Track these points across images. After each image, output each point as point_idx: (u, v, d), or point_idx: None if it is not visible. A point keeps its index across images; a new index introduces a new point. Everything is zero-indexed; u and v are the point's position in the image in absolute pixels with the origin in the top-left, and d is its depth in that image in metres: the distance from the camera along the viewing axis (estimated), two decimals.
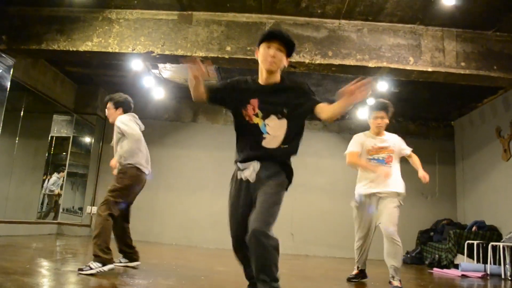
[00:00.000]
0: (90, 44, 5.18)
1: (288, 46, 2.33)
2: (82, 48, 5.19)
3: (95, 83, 8.41)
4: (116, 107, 4.11)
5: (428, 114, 8.88)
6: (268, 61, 2.29)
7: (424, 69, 5.19)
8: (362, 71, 5.32)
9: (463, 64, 5.24)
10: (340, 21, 5.23)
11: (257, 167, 2.32)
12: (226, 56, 5.07)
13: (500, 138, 7.31)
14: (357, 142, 4.12)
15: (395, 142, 4.15)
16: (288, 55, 2.35)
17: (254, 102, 2.35)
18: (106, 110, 4.15)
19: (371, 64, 5.15)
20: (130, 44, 5.14)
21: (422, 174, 4.13)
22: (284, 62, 2.34)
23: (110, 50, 5.15)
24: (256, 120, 2.34)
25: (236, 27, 5.15)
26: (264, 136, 2.33)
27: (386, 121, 4.06)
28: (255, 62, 5.10)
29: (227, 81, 2.50)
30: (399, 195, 4.02)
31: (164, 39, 5.13)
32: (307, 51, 5.11)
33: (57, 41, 5.23)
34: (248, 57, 5.05)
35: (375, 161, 4.04)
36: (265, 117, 2.33)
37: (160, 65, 7.10)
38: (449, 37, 5.29)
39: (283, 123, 2.33)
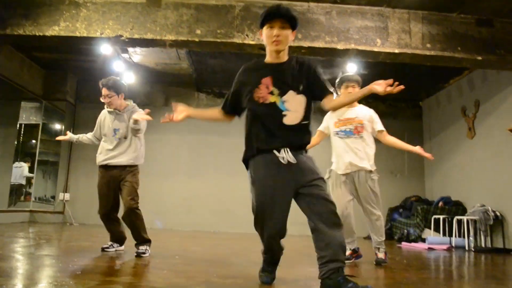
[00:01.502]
0: (57, 28, 5.09)
1: (291, 20, 2.29)
2: (49, 33, 5.09)
3: (64, 68, 8.26)
4: (119, 93, 3.96)
5: (397, 95, 8.88)
6: (273, 42, 2.27)
7: (391, 51, 5.32)
8: (331, 53, 5.41)
9: (428, 45, 5.39)
10: (309, 4, 5.29)
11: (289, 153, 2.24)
12: (196, 39, 5.07)
13: (465, 117, 7.59)
14: (324, 120, 4.08)
15: (366, 114, 3.97)
16: (293, 28, 2.32)
17: (267, 80, 2.29)
18: (106, 97, 3.90)
19: (339, 46, 5.24)
20: (98, 28, 5.08)
21: (420, 150, 3.87)
22: (290, 37, 2.33)
23: (78, 34, 5.07)
24: (272, 98, 2.27)
25: (206, 10, 5.15)
26: (284, 113, 2.26)
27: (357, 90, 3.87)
28: (225, 45, 5.18)
29: (234, 85, 2.44)
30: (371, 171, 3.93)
31: (133, 23, 5.09)
32: None
33: (22, 26, 5.11)
34: (218, 40, 5.07)
35: (342, 133, 3.92)
36: (282, 94, 2.27)
37: (130, 49, 7.03)
38: (415, 19, 5.42)
39: (302, 99, 2.30)
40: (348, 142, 3.91)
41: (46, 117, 8.56)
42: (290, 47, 5.18)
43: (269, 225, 2.33)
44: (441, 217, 6.92)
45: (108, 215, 3.93)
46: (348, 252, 3.95)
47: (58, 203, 8.45)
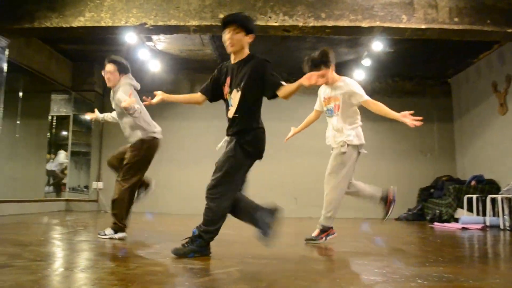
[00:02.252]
0: (82, 19, 5.17)
1: (243, 24, 2.68)
2: (75, 24, 5.18)
3: (90, 59, 8.39)
4: (120, 72, 3.91)
5: (424, 72, 8.89)
6: (227, 45, 2.69)
7: (418, 27, 5.19)
8: (356, 32, 5.33)
9: (456, 19, 5.23)
10: None
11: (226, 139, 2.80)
12: (220, 24, 5.05)
13: (496, 93, 7.37)
14: (318, 97, 4.01)
15: (344, 89, 3.70)
16: (248, 31, 2.70)
17: (228, 80, 2.75)
18: (107, 73, 3.87)
19: (364, 24, 5.15)
20: (123, 17, 5.13)
21: (404, 117, 3.40)
22: (245, 39, 2.70)
23: (103, 24, 5.14)
24: (228, 96, 2.76)
25: None
26: (229, 108, 2.74)
27: (325, 71, 3.65)
28: None
29: (213, 74, 2.89)
30: (344, 145, 3.77)
31: (156, 10, 5.11)
32: (300, 14, 5.10)
33: (49, 18, 5.21)
34: None
35: (329, 111, 3.86)
36: (231, 91, 2.73)
37: (154, 37, 7.08)
38: None
39: (238, 95, 2.68)
40: (331, 120, 3.85)
41: (76, 108, 8.75)
42: (314, 27, 5.15)
43: None
44: (474, 196, 6.78)
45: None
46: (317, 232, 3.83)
47: (92, 191, 8.68)
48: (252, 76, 2.66)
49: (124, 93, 3.70)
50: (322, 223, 3.80)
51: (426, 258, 3.06)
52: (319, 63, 3.64)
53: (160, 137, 4.08)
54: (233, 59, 2.77)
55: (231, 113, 2.72)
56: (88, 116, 4.36)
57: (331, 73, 3.73)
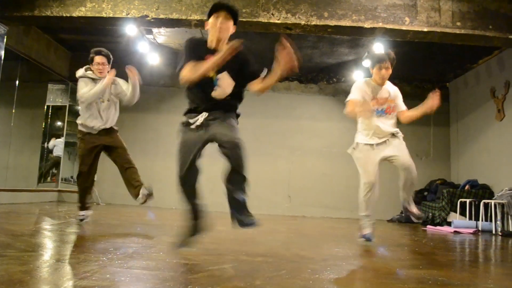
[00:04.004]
0: (83, 9, 5.12)
1: (234, 15, 2.69)
2: (76, 13, 5.14)
3: (89, 49, 8.23)
4: (109, 62, 4.30)
5: (423, 75, 8.90)
6: (217, 30, 2.64)
7: (420, 29, 5.18)
8: (358, 32, 5.31)
9: (458, 23, 5.23)
10: None
11: (205, 115, 2.65)
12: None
13: (494, 99, 7.38)
14: (359, 90, 3.89)
15: (395, 94, 4.01)
16: (235, 22, 2.72)
17: (210, 57, 2.58)
18: (100, 65, 4.20)
19: (366, 25, 5.13)
20: (124, 8, 5.09)
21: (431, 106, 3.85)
22: (231, 29, 2.70)
23: (104, 15, 5.10)
24: (213, 75, 2.64)
25: None
26: (215, 88, 2.65)
27: (390, 71, 3.92)
28: (251, 24, 5.13)
29: (189, 53, 2.67)
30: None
31: (159, 3, 5.07)
32: (303, 12, 5.08)
33: (50, 7, 5.16)
34: (244, 20, 5.01)
35: (379, 111, 3.89)
36: (218, 72, 2.64)
37: (155, 30, 7.04)
38: None
39: (230, 79, 2.67)
40: (377, 120, 3.87)
41: (72, 98, 8.67)
42: (316, 25, 5.13)
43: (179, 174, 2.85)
44: (468, 200, 6.80)
45: None
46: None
47: None
48: (242, 63, 2.70)
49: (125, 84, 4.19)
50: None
51: (419, 261, 3.07)
52: (390, 58, 3.89)
53: None
54: (215, 44, 2.68)
55: (219, 95, 2.67)
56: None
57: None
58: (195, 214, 2.84)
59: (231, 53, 2.48)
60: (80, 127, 4.22)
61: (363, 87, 3.90)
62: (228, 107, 2.73)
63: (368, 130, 3.93)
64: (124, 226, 4.58)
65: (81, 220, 4.27)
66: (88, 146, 4.15)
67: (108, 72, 4.24)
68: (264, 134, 8.44)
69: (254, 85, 2.71)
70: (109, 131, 4.23)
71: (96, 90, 4.11)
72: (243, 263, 2.47)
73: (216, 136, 2.61)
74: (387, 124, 3.89)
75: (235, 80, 2.70)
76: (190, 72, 2.57)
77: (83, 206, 4.30)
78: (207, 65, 2.54)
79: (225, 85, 2.67)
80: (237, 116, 2.82)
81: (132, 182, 4.19)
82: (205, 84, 2.65)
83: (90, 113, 4.15)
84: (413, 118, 3.98)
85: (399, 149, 3.85)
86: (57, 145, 8.57)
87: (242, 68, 2.71)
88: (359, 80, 4.03)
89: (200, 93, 2.69)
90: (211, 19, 2.68)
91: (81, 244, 3.02)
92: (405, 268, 2.65)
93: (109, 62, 4.27)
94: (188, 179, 2.75)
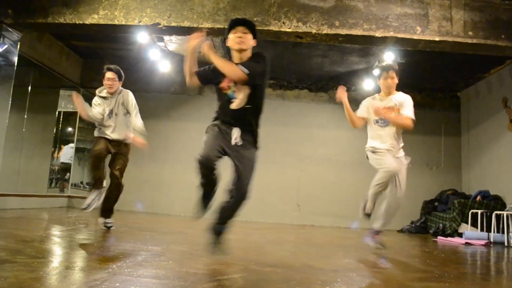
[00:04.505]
0: (96, 16, 5.17)
1: (251, 28, 2.81)
2: (89, 21, 5.18)
3: (101, 56, 8.41)
4: (120, 79, 4.39)
5: (434, 85, 8.84)
6: (237, 42, 2.76)
7: (432, 39, 5.16)
8: (369, 41, 5.29)
9: (470, 33, 5.19)
10: None
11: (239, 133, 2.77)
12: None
13: (506, 109, 7.31)
14: (363, 106, 4.16)
15: (401, 103, 4.06)
16: (254, 36, 2.83)
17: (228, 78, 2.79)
18: (110, 80, 4.30)
19: (378, 34, 5.12)
20: (136, 16, 5.13)
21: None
22: (251, 42, 2.81)
23: (116, 22, 5.14)
24: (228, 90, 2.81)
25: None
26: (232, 100, 2.78)
27: (396, 81, 4.07)
28: (262, 33, 5.15)
29: (206, 67, 2.92)
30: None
31: (170, 11, 5.11)
32: (314, 21, 5.08)
33: (63, 14, 5.22)
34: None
35: (382, 121, 4.02)
36: (234, 85, 2.79)
37: (166, 38, 7.08)
38: (456, 6, 5.23)
39: (247, 89, 2.77)
40: (382, 131, 4.03)
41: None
42: (327, 34, 5.13)
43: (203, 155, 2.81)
44: (479, 211, 6.71)
45: None
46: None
47: None
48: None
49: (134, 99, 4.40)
50: None
51: (431, 273, 3.02)
52: (393, 68, 4.10)
53: None
54: (236, 58, 2.83)
55: (238, 105, 2.79)
56: (75, 99, 4.34)
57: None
58: (207, 185, 2.88)
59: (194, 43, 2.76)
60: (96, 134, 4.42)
61: (367, 103, 4.14)
62: (248, 121, 2.83)
63: (373, 139, 4.10)
64: (132, 233, 4.58)
65: (109, 227, 4.29)
66: (102, 141, 4.29)
67: (118, 86, 4.40)
68: (273, 142, 8.42)
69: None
70: (121, 143, 4.38)
71: (92, 116, 4.32)
72: (253, 273, 2.45)
73: (235, 166, 2.78)
74: (391, 134, 4.01)
75: (252, 89, 2.78)
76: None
77: (106, 212, 4.34)
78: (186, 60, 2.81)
79: (239, 93, 2.78)
80: (256, 137, 2.90)
81: (109, 202, 4.30)
82: (224, 97, 2.81)
83: (101, 127, 4.35)
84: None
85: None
86: (65, 152, 8.61)
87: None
88: (367, 98, 4.22)
89: (221, 105, 2.85)
90: (230, 35, 2.81)
91: (90, 251, 3.02)
92: (416, 281, 2.61)
93: (119, 79, 4.38)
94: (209, 161, 2.75)
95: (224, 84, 2.83)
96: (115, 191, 4.27)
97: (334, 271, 2.76)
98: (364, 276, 2.70)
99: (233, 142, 2.75)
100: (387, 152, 3.99)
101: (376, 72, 4.10)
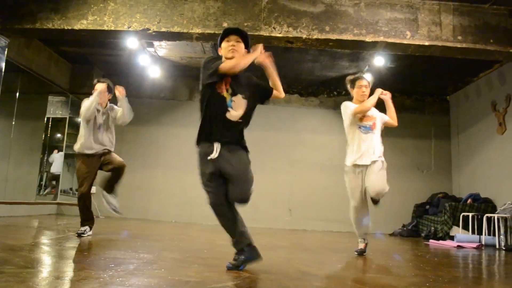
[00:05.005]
0: (85, 22, 5.13)
1: (243, 37, 2.85)
2: (77, 26, 5.13)
3: (90, 62, 8.34)
4: (109, 92, 4.60)
5: (423, 89, 8.91)
6: (229, 50, 2.79)
7: (421, 43, 5.19)
8: (359, 46, 5.32)
9: (459, 37, 5.24)
10: None
11: (219, 147, 2.74)
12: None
13: (495, 112, 7.37)
14: (350, 104, 4.24)
15: (376, 111, 4.25)
16: (246, 46, 2.87)
17: (227, 79, 2.78)
18: (102, 92, 4.47)
19: (368, 39, 5.14)
20: (126, 21, 5.09)
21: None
22: (243, 51, 2.84)
23: (105, 28, 5.10)
24: (225, 94, 2.78)
25: (233, 3, 5.11)
26: (228, 109, 2.77)
27: (369, 90, 4.21)
28: (252, 38, 5.12)
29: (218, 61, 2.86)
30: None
31: (160, 16, 5.08)
32: (304, 26, 5.09)
33: (51, 20, 5.16)
34: None
35: (364, 128, 4.09)
36: (233, 94, 2.79)
37: (156, 43, 7.05)
38: (446, 11, 5.28)
39: (244, 102, 2.82)
40: (365, 137, 4.08)
41: (73, 110, 8.66)
42: (317, 39, 5.14)
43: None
44: (470, 214, 6.75)
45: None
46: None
47: None
48: (253, 85, 2.94)
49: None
50: None
51: (425, 277, 3.01)
52: (365, 78, 4.32)
53: None
54: None
55: (234, 117, 2.78)
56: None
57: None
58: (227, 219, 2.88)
59: (261, 53, 2.82)
60: (79, 151, 4.48)
61: (350, 107, 4.18)
62: (239, 132, 2.85)
63: (357, 151, 4.10)
64: (123, 240, 4.53)
65: (79, 235, 4.30)
66: (89, 168, 4.40)
67: (108, 100, 4.63)
68: (265, 147, 8.40)
69: (274, 95, 2.99)
70: (107, 153, 4.53)
71: (89, 102, 4.43)
72: (246, 281, 2.42)
73: (229, 182, 2.79)
74: (375, 140, 4.07)
75: (248, 103, 2.84)
76: (230, 63, 2.74)
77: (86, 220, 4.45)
78: (248, 57, 2.78)
79: (238, 107, 2.79)
80: (245, 147, 2.90)
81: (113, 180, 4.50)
82: (220, 105, 2.77)
83: (89, 139, 4.42)
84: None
85: (376, 177, 3.97)
86: (55, 160, 8.50)
87: (256, 91, 2.92)
88: (345, 102, 4.27)
89: (215, 113, 2.77)
90: (223, 44, 2.85)
91: (81, 260, 2.96)
92: (411, 286, 2.60)
93: (109, 91, 4.56)
94: (220, 203, 2.82)
95: (222, 84, 2.80)
96: (121, 171, 4.49)
97: (328, 277, 2.75)
98: (358, 282, 2.68)
99: (214, 156, 2.72)
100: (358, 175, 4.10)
101: (348, 85, 4.19)
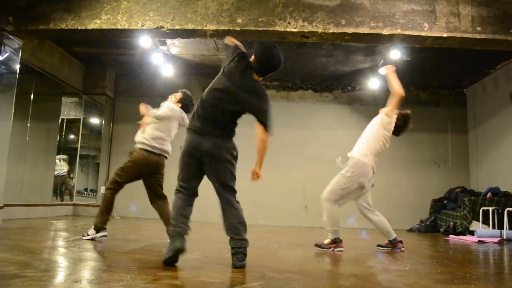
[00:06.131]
0: (98, 21, 5.09)
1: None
2: (91, 26, 5.10)
3: (103, 62, 8.34)
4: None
5: (439, 82, 8.76)
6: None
7: (439, 35, 5.07)
8: (375, 39, 5.21)
9: (478, 28, 5.11)
10: None
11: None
12: (238, 29, 4.96)
13: None
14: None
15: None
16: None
17: None
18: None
19: (385, 32, 5.03)
20: (139, 20, 5.05)
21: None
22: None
23: (119, 27, 5.06)
24: None
25: None
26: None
27: None
28: (267, 33, 5.06)
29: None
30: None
31: (174, 13, 5.03)
32: (320, 20, 5.00)
33: (64, 20, 5.14)
34: (260, 29, 4.95)
35: None
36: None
37: (168, 42, 7.01)
38: (464, 1, 5.14)
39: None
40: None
41: (86, 111, 8.68)
42: (333, 33, 5.04)
43: None
44: (490, 208, 6.62)
45: None
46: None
47: (100, 196, 8.58)
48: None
49: None
50: None
51: (453, 274, 2.92)
52: None
53: (146, 148, 4.40)
54: None
55: None
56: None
57: None
58: None
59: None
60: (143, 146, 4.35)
61: None
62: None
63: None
64: (142, 241, 4.50)
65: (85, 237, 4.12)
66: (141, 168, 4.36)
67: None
68: (279, 144, 8.33)
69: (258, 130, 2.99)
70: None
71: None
72: (271, 280, 2.36)
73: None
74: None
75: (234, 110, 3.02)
76: None
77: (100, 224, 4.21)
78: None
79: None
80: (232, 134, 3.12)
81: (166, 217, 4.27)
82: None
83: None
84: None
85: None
86: (57, 164, 8.49)
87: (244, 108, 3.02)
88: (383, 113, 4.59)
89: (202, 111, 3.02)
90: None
91: (101, 262, 2.93)
92: (440, 283, 2.52)
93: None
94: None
95: None
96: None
97: (356, 276, 2.68)
98: (387, 281, 2.61)
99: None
100: None
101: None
